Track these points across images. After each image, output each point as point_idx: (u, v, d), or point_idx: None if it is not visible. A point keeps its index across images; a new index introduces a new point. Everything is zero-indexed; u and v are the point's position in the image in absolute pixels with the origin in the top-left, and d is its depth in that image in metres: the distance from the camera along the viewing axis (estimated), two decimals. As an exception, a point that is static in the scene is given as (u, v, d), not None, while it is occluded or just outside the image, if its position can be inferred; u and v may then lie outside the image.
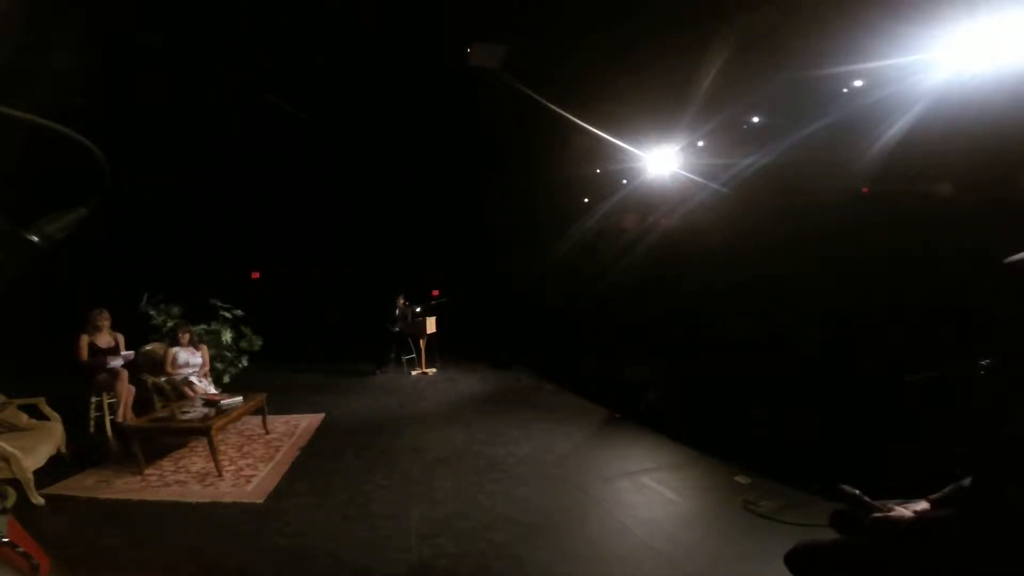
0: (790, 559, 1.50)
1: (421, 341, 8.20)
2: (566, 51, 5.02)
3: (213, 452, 3.87)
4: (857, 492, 1.42)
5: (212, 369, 5.71)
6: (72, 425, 4.18)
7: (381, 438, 4.86)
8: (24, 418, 3.77)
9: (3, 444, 3.22)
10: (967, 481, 1.35)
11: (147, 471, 3.90)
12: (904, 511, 1.37)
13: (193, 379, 5.06)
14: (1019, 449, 1.12)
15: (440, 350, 8.54)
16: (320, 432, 5.04)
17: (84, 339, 4.83)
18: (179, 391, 4.92)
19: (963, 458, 1.29)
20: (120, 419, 4.74)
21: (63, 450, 3.83)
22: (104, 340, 4.94)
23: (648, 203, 7.02)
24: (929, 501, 1.41)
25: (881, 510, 1.38)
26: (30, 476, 3.27)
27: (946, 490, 1.40)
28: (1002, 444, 1.17)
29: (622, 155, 6.05)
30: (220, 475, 3.85)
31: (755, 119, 4.89)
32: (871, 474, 1.51)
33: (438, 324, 8.32)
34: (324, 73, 5.90)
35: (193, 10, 4.22)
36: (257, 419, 5.04)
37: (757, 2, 3.61)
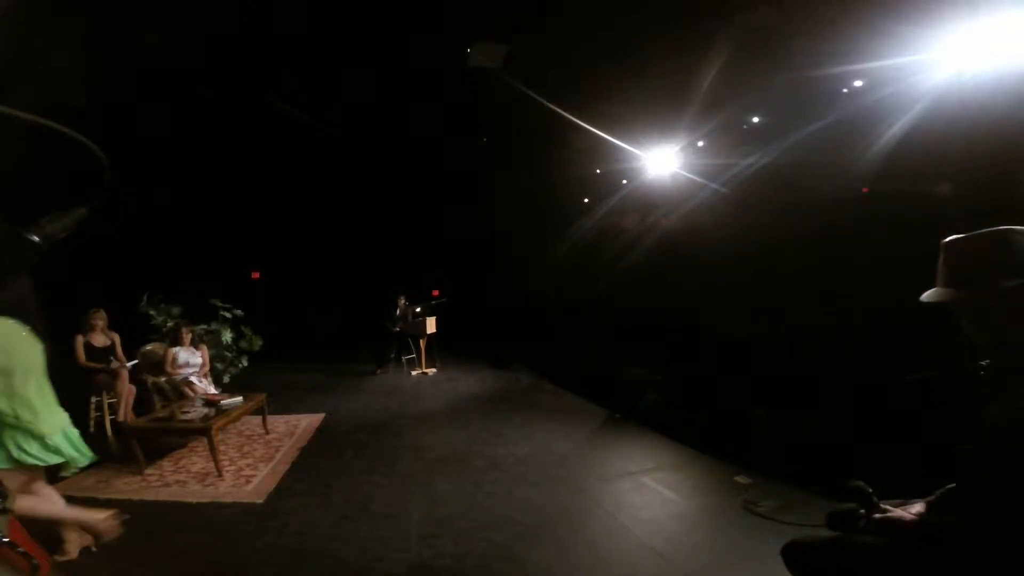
0: (787, 552, 1.50)
1: (421, 341, 8.20)
2: (566, 51, 5.02)
3: (213, 452, 3.87)
4: (870, 490, 1.41)
5: (212, 369, 5.71)
6: (72, 425, 4.18)
7: (381, 438, 4.86)
8: (24, 418, 3.76)
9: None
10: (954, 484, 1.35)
11: (147, 471, 3.90)
12: (904, 513, 1.37)
13: (193, 379, 5.06)
14: (999, 446, 1.11)
15: (440, 350, 8.54)
16: (320, 432, 5.04)
17: (79, 340, 4.84)
18: (179, 391, 4.92)
19: (964, 459, 1.29)
20: (120, 419, 4.74)
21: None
22: (99, 340, 4.95)
23: (648, 203, 7.02)
24: (925, 503, 1.41)
25: (885, 511, 1.38)
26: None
27: (939, 492, 1.39)
28: (986, 443, 1.16)
29: (622, 155, 6.05)
30: (220, 475, 3.85)
31: (755, 119, 4.89)
32: (871, 474, 1.50)
33: (438, 324, 8.33)
34: (324, 73, 5.90)
35: (195, 9, 4.22)
36: (257, 419, 5.04)
37: (757, 2, 3.61)
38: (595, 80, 5.17)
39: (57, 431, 2.30)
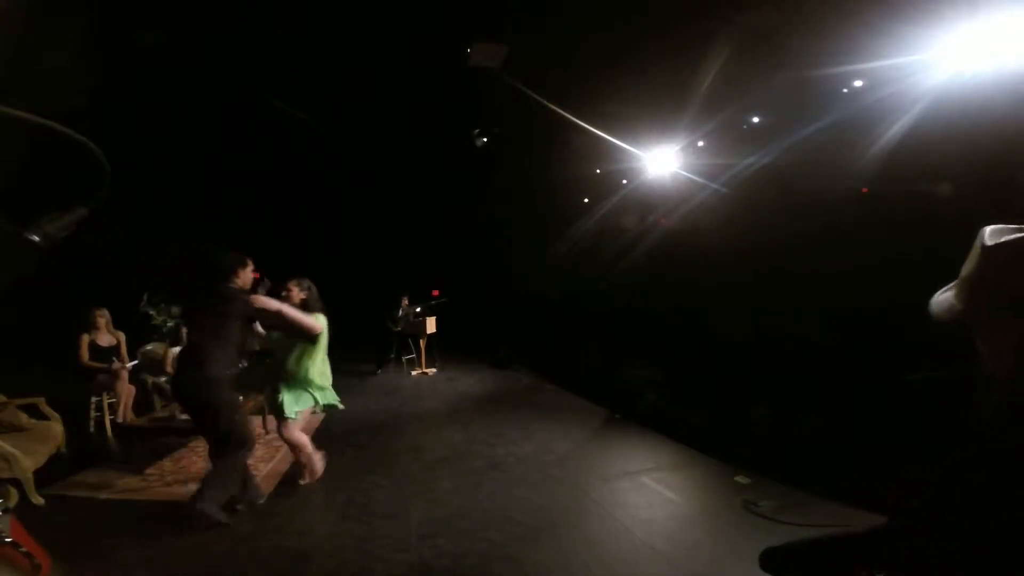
0: (763, 558, 1.47)
1: (421, 341, 8.20)
2: (566, 51, 5.01)
3: (213, 452, 3.87)
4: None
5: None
6: (72, 425, 4.18)
7: (381, 438, 4.86)
8: (24, 418, 3.76)
9: (3, 444, 3.22)
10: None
11: (147, 471, 3.90)
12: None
13: (193, 379, 5.05)
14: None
15: (440, 350, 8.54)
16: (320, 432, 5.04)
17: (84, 339, 4.82)
18: (179, 391, 4.91)
19: (963, 460, 1.27)
20: (120, 419, 4.73)
21: (63, 450, 3.83)
22: (105, 339, 4.94)
23: (648, 203, 7.02)
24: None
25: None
26: (30, 476, 3.27)
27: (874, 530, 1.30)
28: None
29: (622, 155, 6.04)
30: (220, 475, 3.84)
31: (755, 119, 4.88)
32: (870, 474, 1.49)
33: (438, 324, 8.33)
34: (325, 73, 5.90)
35: (194, 9, 4.22)
36: (257, 419, 5.03)
37: (757, 2, 3.61)
38: (595, 80, 5.16)
39: (330, 388, 3.74)
